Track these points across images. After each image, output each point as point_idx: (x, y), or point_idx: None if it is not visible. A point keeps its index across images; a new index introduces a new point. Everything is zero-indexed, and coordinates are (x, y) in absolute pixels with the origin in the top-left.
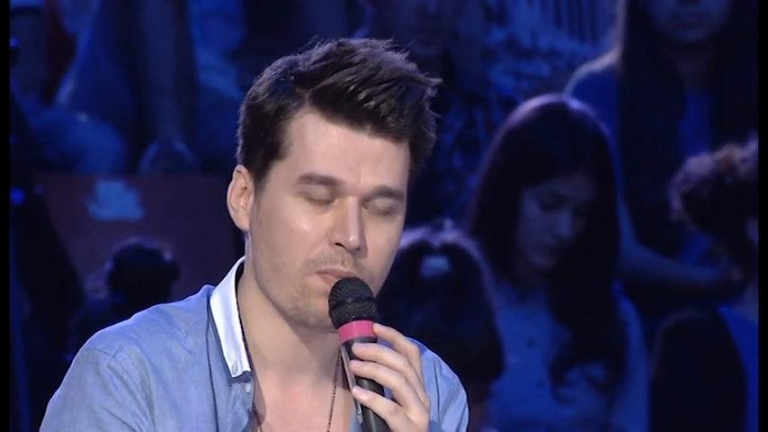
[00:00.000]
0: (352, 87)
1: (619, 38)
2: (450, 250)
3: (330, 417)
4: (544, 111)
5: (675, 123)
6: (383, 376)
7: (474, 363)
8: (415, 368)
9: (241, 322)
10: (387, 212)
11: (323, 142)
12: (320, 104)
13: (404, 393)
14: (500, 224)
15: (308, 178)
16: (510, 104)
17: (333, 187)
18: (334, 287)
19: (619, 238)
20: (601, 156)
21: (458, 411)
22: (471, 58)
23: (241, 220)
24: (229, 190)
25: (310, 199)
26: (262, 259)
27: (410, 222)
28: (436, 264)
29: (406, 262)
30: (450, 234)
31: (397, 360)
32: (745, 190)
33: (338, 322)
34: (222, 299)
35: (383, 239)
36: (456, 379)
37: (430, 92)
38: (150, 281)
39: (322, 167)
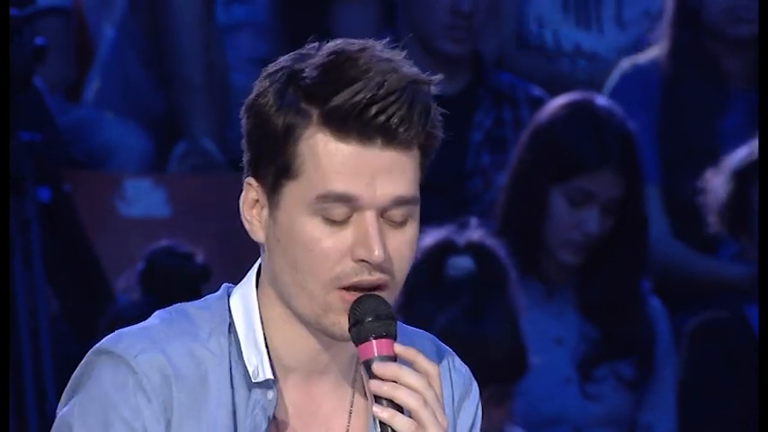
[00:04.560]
0: (361, 106)
1: (665, 32)
2: (475, 249)
3: (349, 417)
4: (571, 108)
5: (717, 121)
6: (402, 397)
7: (497, 364)
8: (435, 389)
9: (263, 328)
10: (404, 220)
11: (335, 161)
12: (329, 124)
13: (422, 415)
14: (528, 222)
15: (325, 197)
16: (538, 104)
17: (350, 203)
18: (353, 304)
19: (647, 235)
20: (628, 153)
21: (472, 406)
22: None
23: (256, 232)
24: (241, 202)
25: (328, 218)
26: (283, 275)
27: (436, 220)
28: (461, 263)
29: (430, 261)
30: (475, 232)
31: (416, 380)
32: None
33: (357, 340)
34: (243, 302)
35: (404, 246)
36: (468, 372)
37: (434, 89)
38: (181, 284)
39: (338, 186)
